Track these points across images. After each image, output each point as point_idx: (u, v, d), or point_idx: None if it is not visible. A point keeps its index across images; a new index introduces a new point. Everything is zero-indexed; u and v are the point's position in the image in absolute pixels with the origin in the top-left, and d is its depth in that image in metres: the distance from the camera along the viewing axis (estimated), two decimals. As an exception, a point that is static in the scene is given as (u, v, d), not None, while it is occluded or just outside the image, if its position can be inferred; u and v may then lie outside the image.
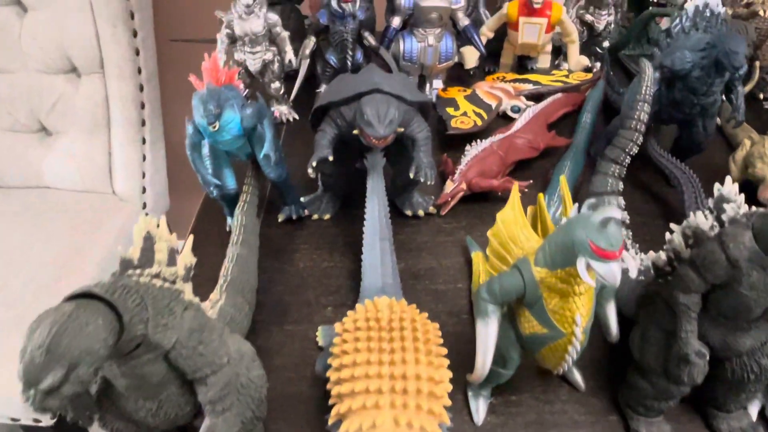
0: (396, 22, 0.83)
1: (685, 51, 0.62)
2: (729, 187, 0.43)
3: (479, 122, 0.78)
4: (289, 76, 0.85)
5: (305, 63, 0.79)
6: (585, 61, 0.91)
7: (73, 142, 1.30)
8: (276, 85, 0.83)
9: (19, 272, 1.03)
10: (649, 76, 0.61)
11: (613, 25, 0.95)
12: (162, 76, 1.40)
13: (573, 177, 0.70)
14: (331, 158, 0.55)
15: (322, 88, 0.84)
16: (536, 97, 0.87)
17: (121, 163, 1.35)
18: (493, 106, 0.83)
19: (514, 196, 0.45)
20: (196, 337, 0.34)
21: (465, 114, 0.80)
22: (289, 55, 0.80)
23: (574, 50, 0.91)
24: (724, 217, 0.41)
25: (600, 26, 0.94)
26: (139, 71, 1.30)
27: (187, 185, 1.26)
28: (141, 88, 1.32)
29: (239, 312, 0.49)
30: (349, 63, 0.79)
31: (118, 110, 1.30)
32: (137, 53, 1.29)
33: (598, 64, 1.00)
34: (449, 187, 0.66)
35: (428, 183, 0.55)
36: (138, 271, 0.34)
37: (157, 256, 0.35)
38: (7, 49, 1.21)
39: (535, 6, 0.84)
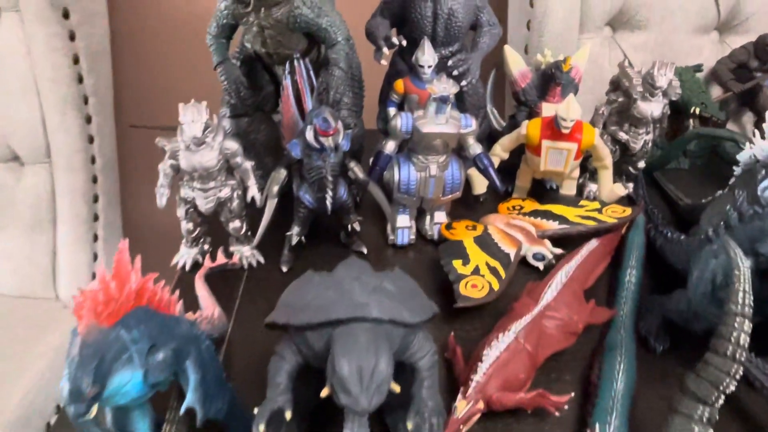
0: (390, 147, 0.66)
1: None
2: None
3: (495, 285, 0.60)
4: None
5: (273, 202, 0.61)
6: (620, 191, 0.74)
7: (10, 240, 1.12)
8: (236, 224, 0.65)
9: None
10: (744, 276, 0.43)
11: (650, 144, 0.79)
12: (122, 164, 1.23)
13: (629, 382, 0.51)
14: (288, 415, 0.37)
15: (295, 230, 0.66)
16: (563, 239, 0.70)
17: (66, 265, 1.16)
18: (512, 256, 0.65)
19: None
20: None
21: (477, 271, 0.62)
22: (253, 191, 0.62)
23: (606, 177, 0.75)
24: None
25: (636, 146, 0.77)
26: (93, 160, 1.13)
27: (147, 270, 1.06)
28: (95, 180, 1.15)
29: None
30: (329, 203, 0.61)
31: (66, 205, 1.12)
32: (91, 141, 1.12)
33: (630, 185, 0.83)
34: (461, 408, 0.47)
35: None
36: None
37: None
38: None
39: (564, 131, 0.68)
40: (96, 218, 1.17)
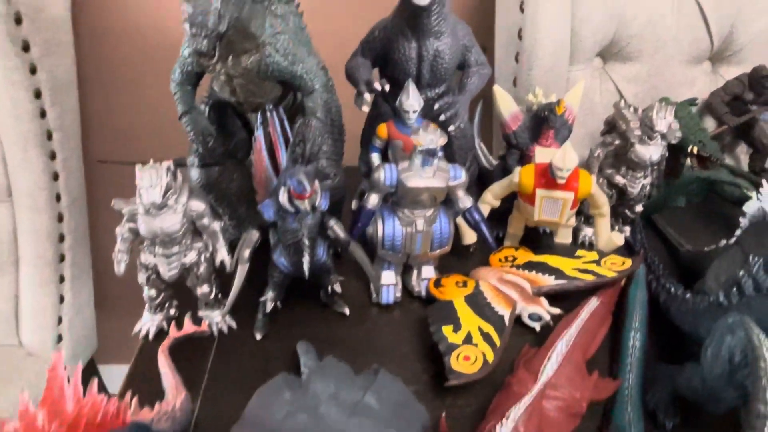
0: (373, 201, 0.61)
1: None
2: None
3: (490, 356, 0.55)
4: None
5: (244, 267, 0.56)
6: (618, 240, 0.70)
7: (-32, 284, 1.04)
8: (204, 289, 0.59)
9: None
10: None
11: (648, 188, 0.74)
12: (91, 200, 1.16)
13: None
14: None
15: (269, 295, 0.60)
16: (560, 294, 0.65)
17: (30, 309, 1.09)
18: (506, 318, 0.60)
19: None
20: None
21: (469, 339, 0.57)
22: (222, 254, 0.57)
23: (604, 226, 0.70)
24: None
25: (634, 191, 0.73)
26: (59, 198, 1.06)
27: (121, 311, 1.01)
28: (60, 218, 1.08)
29: None
30: (306, 267, 0.56)
31: (29, 246, 1.06)
32: (56, 178, 1.05)
33: (627, 229, 0.79)
34: None
35: None
36: None
37: None
38: None
39: (559, 181, 0.63)
40: (62, 259, 1.10)
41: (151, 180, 0.49)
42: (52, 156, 1.02)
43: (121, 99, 1.16)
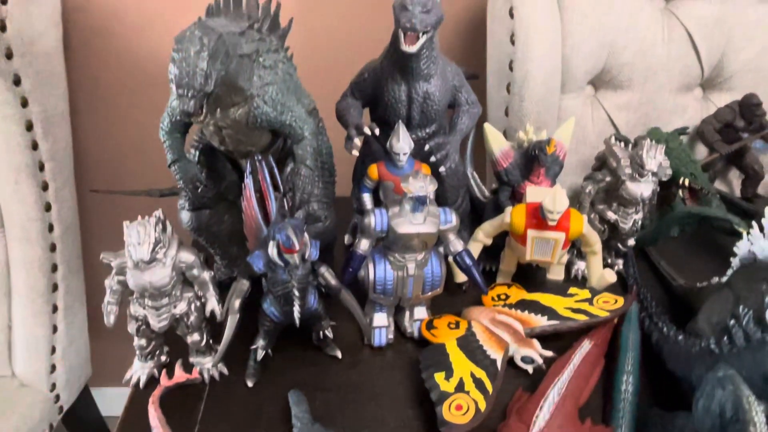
0: (364, 246, 0.61)
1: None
2: None
3: (482, 404, 0.55)
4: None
5: (234, 318, 0.55)
6: (611, 277, 0.69)
7: (-41, 315, 1.04)
8: (195, 338, 0.58)
9: None
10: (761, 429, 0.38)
11: (640, 222, 0.75)
12: (85, 229, 1.16)
13: None
14: None
15: (260, 343, 0.60)
16: (553, 334, 0.65)
17: (23, 340, 1.09)
18: (499, 363, 0.60)
19: None
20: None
21: (461, 386, 0.57)
22: (212, 304, 0.56)
23: (596, 263, 0.70)
24: None
25: (626, 226, 0.73)
26: (51, 228, 1.06)
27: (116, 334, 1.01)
28: (53, 248, 1.07)
29: None
30: (297, 315, 0.56)
31: (21, 278, 1.05)
32: (48, 209, 1.05)
33: (620, 262, 0.79)
34: None
35: None
36: None
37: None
38: None
39: (550, 223, 0.63)
40: (55, 288, 1.09)
41: (139, 237, 0.49)
42: (45, 187, 1.02)
43: (114, 128, 1.16)
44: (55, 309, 1.10)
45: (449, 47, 1.11)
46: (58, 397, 1.14)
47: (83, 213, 1.16)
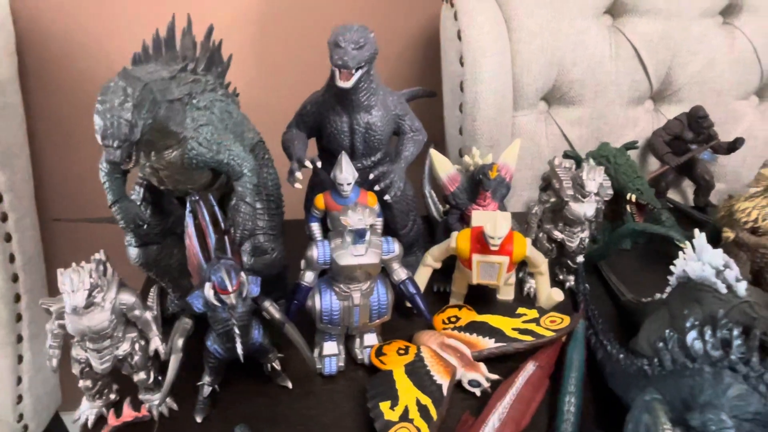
0: (308, 278, 0.62)
1: (721, 415, 0.42)
2: None
3: (425, 433, 0.56)
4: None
5: (177, 356, 0.56)
6: (558, 296, 0.71)
7: None
8: (141, 376, 0.59)
9: None
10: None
11: (587, 240, 0.76)
12: (49, 257, 1.16)
13: None
14: None
15: (206, 380, 0.60)
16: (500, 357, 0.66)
17: (-13, 372, 1.07)
18: (444, 389, 0.61)
19: None
20: None
21: (405, 415, 0.58)
22: (155, 343, 0.57)
23: (543, 283, 0.71)
24: None
25: (573, 245, 0.75)
26: (12, 259, 1.05)
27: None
28: (15, 278, 1.06)
29: None
30: (240, 352, 0.56)
31: (-17, 310, 1.04)
32: (8, 239, 1.04)
33: (571, 278, 0.81)
34: None
35: None
36: None
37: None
38: None
39: (492, 249, 0.64)
40: (19, 318, 1.09)
41: (72, 284, 0.49)
42: (4, 218, 1.02)
43: (76, 155, 1.16)
44: (20, 339, 1.09)
45: (408, 65, 1.12)
46: (26, 428, 1.13)
47: (47, 241, 1.15)
